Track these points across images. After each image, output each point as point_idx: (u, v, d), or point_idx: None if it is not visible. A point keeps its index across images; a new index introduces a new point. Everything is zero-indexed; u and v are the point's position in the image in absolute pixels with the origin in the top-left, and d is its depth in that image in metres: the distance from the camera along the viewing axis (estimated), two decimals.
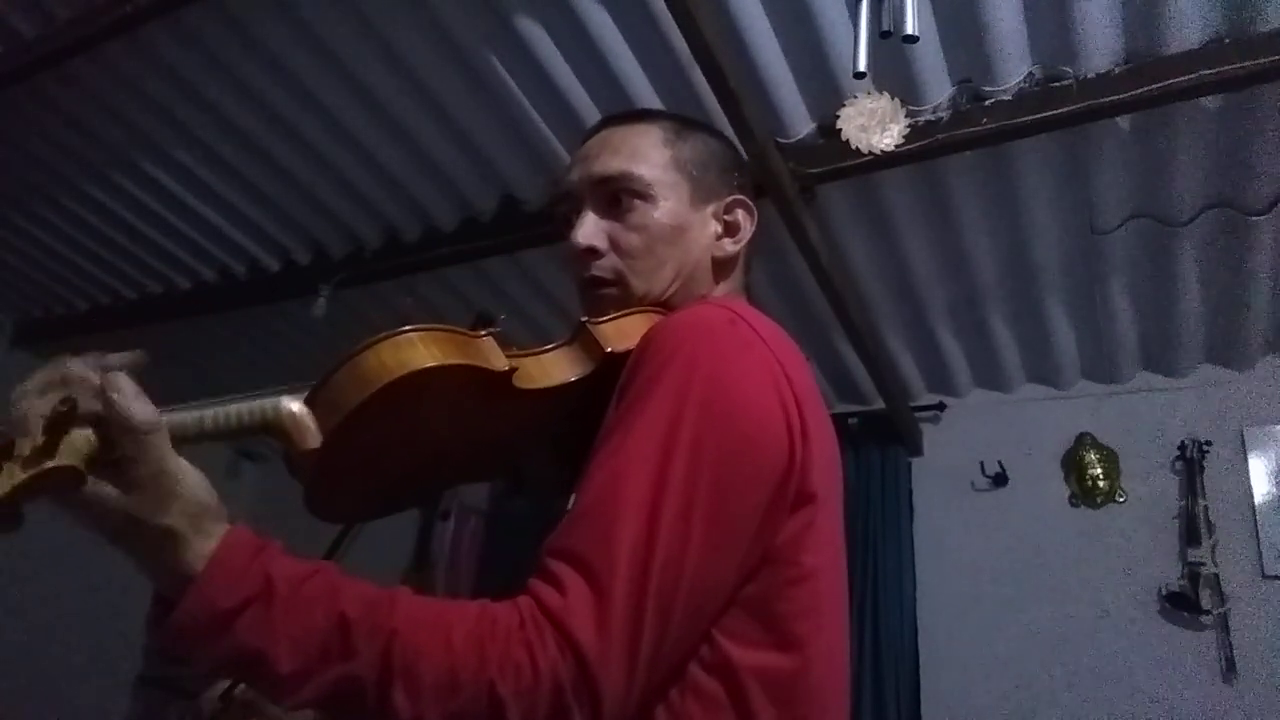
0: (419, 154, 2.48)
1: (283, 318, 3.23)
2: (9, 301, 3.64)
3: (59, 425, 0.54)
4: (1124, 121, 1.99)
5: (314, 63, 2.23)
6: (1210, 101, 1.90)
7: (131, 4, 2.02)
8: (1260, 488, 2.62)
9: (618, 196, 0.90)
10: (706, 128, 1.01)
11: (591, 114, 2.14)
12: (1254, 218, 2.19)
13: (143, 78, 2.36)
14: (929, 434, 3.14)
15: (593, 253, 0.89)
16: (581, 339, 0.81)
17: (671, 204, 0.91)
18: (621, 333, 0.81)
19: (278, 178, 2.67)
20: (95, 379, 0.58)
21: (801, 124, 2.12)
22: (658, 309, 0.88)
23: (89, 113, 2.52)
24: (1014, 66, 1.90)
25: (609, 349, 0.79)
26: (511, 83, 2.17)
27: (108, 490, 0.57)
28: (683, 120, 0.99)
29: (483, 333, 0.73)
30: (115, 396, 0.56)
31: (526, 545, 0.67)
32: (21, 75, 2.33)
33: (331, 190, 2.68)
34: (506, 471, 0.98)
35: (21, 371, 0.59)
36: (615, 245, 0.90)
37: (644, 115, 0.99)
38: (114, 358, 0.61)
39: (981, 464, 2.95)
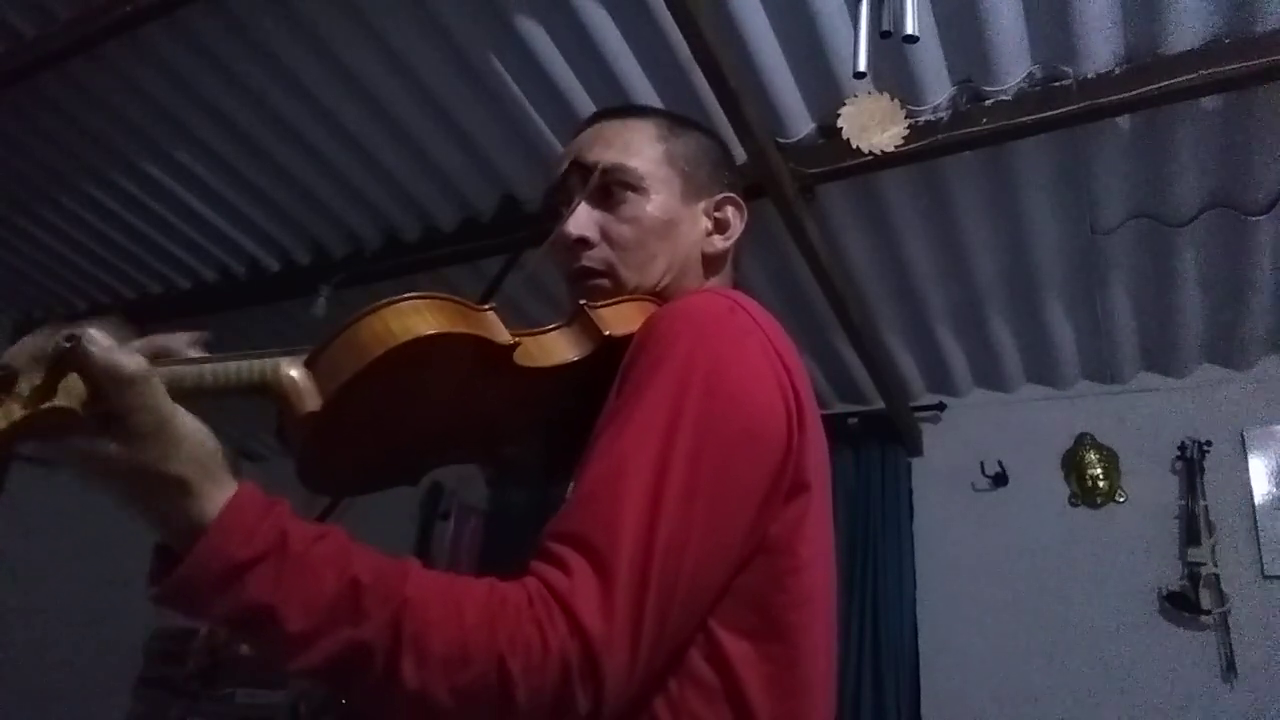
0: (419, 154, 2.48)
1: (283, 318, 3.23)
2: (9, 301, 3.64)
3: (60, 365, 0.54)
4: (1124, 121, 1.99)
5: (314, 63, 2.23)
6: (1210, 101, 1.90)
7: (131, 4, 2.02)
8: (1260, 488, 2.62)
9: (610, 188, 0.90)
10: (698, 125, 1.01)
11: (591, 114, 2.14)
12: (1254, 218, 2.19)
13: (143, 78, 2.36)
14: (929, 434, 3.14)
15: (584, 243, 0.89)
16: (580, 321, 0.80)
17: (663, 198, 0.91)
18: (620, 317, 0.81)
19: (278, 178, 2.67)
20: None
21: (801, 124, 2.12)
22: (653, 298, 0.88)
23: (89, 113, 2.52)
24: (1014, 66, 1.90)
25: (608, 332, 0.78)
26: (511, 83, 2.17)
27: (112, 443, 0.56)
28: (674, 117, 0.99)
29: (486, 307, 0.72)
30: (93, 348, 0.55)
31: (526, 544, 0.66)
32: (21, 75, 2.33)
33: (331, 190, 2.68)
34: (497, 454, 0.97)
35: None
36: (607, 237, 0.90)
37: (636, 110, 0.99)
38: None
39: (981, 464, 2.95)
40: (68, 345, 0.54)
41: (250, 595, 0.56)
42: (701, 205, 0.94)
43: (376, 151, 2.49)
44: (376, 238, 2.84)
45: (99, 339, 0.55)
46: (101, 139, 2.62)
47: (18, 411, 0.52)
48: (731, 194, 0.97)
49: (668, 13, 1.63)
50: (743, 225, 0.97)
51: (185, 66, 2.30)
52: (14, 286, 3.51)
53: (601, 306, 0.82)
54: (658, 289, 0.90)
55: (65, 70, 2.34)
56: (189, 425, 0.59)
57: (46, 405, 0.53)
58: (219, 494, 0.58)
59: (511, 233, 2.58)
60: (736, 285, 0.99)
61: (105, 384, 0.55)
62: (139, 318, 3.35)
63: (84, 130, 2.60)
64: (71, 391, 0.54)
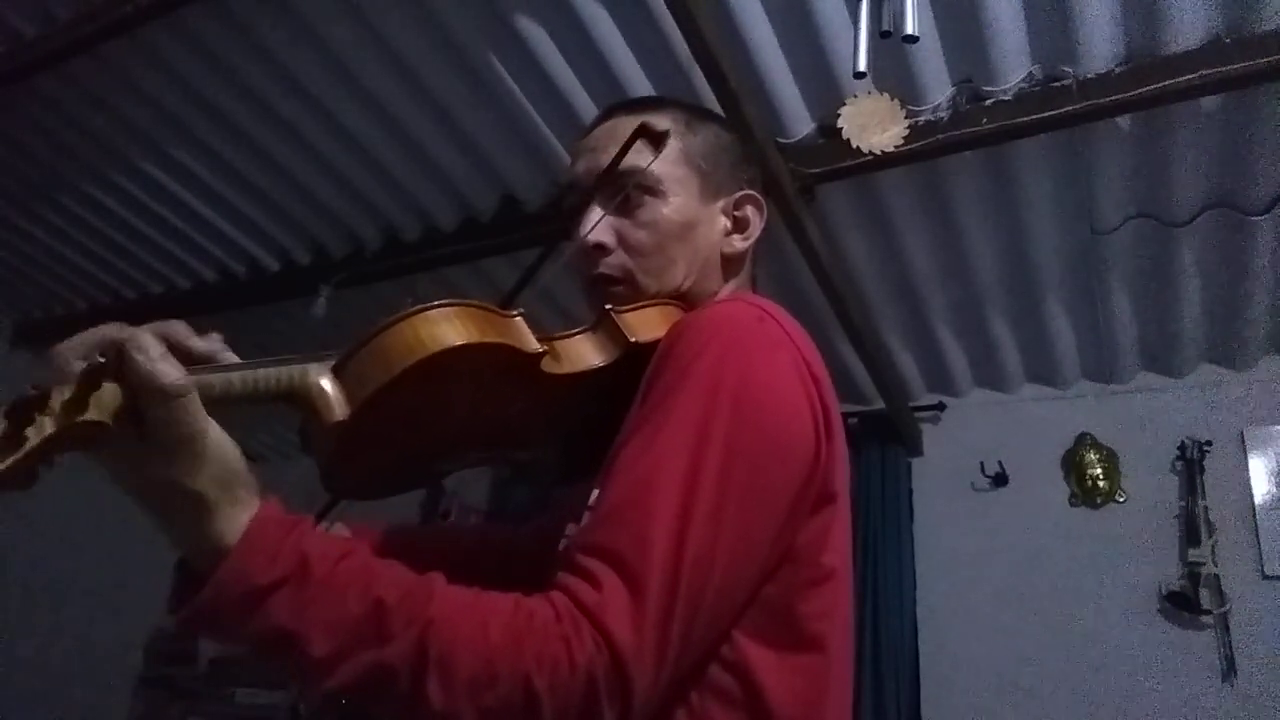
0: (419, 154, 2.48)
1: (283, 318, 3.23)
2: (9, 301, 3.64)
3: (93, 379, 0.53)
4: (1124, 121, 1.99)
5: (314, 63, 2.23)
6: (1210, 101, 1.90)
7: (131, 4, 2.03)
8: (1260, 488, 2.62)
9: (626, 191, 0.87)
10: (717, 119, 0.98)
11: (591, 114, 2.12)
12: (1254, 218, 2.19)
13: (143, 78, 2.36)
14: (929, 434, 3.14)
15: (601, 249, 0.87)
16: (605, 327, 0.79)
17: (681, 200, 0.88)
18: (645, 322, 0.80)
19: (278, 178, 2.67)
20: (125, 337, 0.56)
21: (801, 124, 2.12)
22: (677, 302, 0.86)
23: (89, 113, 2.52)
24: (1014, 66, 1.90)
25: (633, 338, 0.77)
26: (511, 83, 2.17)
27: (140, 450, 0.55)
28: (693, 111, 0.95)
29: (514, 312, 0.72)
30: (139, 357, 0.54)
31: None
32: (21, 75, 2.33)
33: (331, 190, 2.68)
34: (514, 458, 0.96)
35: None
36: (624, 242, 0.87)
37: (652, 104, 0.94)
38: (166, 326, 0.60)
39: (981, 464, 2.95)
40: (102, 360, 0.53)
41: (273, 620, 0.56)
42: (720, 204, 0.91)
43: (376, 151, 2.49)
44: (376, 238, 2.84)
45: (148, 347, 0.55)
46: (101, 139, 2.62)
47: (49, 426, 0.52)
48: (751, 191, 0.94)
49: (668, 13, 1.63)
50: (762, 224, 0.93)
51: (185, 66, 2.30)
52: (14, 286, 3.51)
53: (626, 311, 0.80)
54: (679, 292, 0.88)
55: (65, 70, 2.34)
56: (217, 441, 0.58)
57: (79, 419, 0.53)
58: (241, 514, 0.58)
59: (511, 233, 2.58)
60: (754, 285, 0.97)
61: (146, 393, 0.54)
62: (139, 318, 3.35)
63: (84, 130, 2.60)
64: (103, 405, 0.54)
